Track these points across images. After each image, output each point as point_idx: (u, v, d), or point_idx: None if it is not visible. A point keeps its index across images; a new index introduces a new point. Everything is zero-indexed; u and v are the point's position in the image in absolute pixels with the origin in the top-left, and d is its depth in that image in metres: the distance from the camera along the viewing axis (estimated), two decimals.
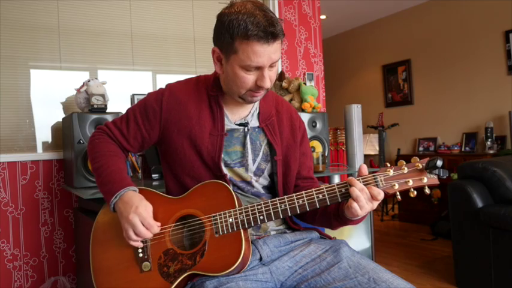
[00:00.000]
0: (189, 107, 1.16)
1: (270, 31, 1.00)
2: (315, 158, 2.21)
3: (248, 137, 1.18)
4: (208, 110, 1.16)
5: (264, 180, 1.20)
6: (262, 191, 1.20)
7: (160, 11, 2.74)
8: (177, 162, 1.16)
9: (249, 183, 1.18)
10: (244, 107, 1.20)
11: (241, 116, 1.20)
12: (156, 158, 2.24)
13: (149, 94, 1.21)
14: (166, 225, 1.08)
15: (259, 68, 1.05)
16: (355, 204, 0.97)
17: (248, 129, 1.19)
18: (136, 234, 1.02)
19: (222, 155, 1.14)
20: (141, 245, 1.05)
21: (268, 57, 1.03)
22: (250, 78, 1.06)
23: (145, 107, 1.18)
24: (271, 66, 1.06)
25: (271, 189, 1.23)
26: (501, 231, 2.25)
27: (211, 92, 1.17)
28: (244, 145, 1.18)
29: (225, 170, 1.14)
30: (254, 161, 1.18)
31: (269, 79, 1.07)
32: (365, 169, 1.03)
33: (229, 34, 1.02)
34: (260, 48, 1.01)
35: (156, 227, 1.04)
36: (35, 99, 2.37)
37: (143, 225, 1.02)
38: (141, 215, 1.02)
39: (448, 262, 3.01)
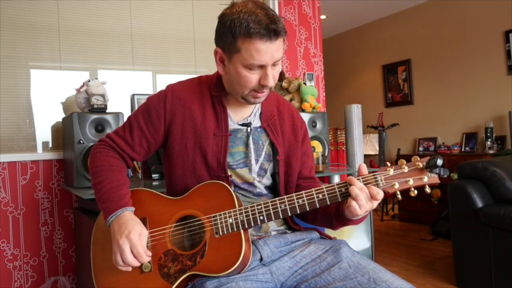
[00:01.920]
0: (193, 107, 1.15)
1: (272, 28, 0.99)
2: (315, 158, 2.21)
3: (251, 137, 1.18)
4: (212, 111, 1.16)
5: (266, 181, 1.20)
6: (265, 191, 1.20)
7: (160, 11, 2.74)
8: (179, 164, 1.15)
9: (251, 184, 1.18)
10: (247, 107, 1.20)
11: (243, 116, 1.20)
12: (157, 158, 2.24)
13: (150, 98, 1.20)
14: (166, 226, 1.08)
15: (263, 67, 1.04)
16: (354, 203, 0.97)
17: (251, 130, 1.18)
18: (123, 260, 0.99)
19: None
20: (129, 269, 1.02)
21: (271, 55, 1.02)
22: (253, 77, 1.05)
23: (148, 111, 1.16)
24: (274, 64, 1.06)
25: (273, 189, 1.23)
26: (501, 231, 2.25)
27: (214, 92, 1.17)
28: (247, 145, 1.18)
29: (228, 172, 1.14)
30: (257, 161, 1.18)
31: (272, 78, 1.06)
32: (364, 168, 1.03)
33: (232, 34, 1.02)
34: (263, 46, 1.01)
35: (145, 256, 1.00)
36: (35, 99, 2.37)
37: (132, 252, 0.99)
38: (132, 241, 0.98)
39: (448, 262, 3.01)
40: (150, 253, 1.02)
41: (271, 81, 1.06)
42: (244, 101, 1.12)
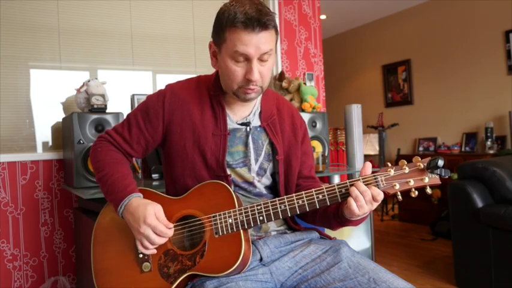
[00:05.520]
0: (191, 107, 1.15)
1: (256, 19, 1.00)
2: (315, 158, 2.21)
3: (250, 137, 1.18)
4: (210, 110, 1.16)
5: (266, 180, 1.20)
6: (264, 191, 1.20)
7: (160, 11, 2.74)
8: (179, 163, 1.15)
9: (251, 183, 1.18)
10: (246, 106, 1.20)
11: (242, 115, 1.20)
12: (156, 158, 2.24)
13: (149, 96, 1.20)
14: None
15: (248, 60, 1.04)
16: (353, 203, 0.97)
17: (250, 129, 1.18)
18: (151, 243, 1.02)
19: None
20: (155, 252, 1.05)
21: (256, 46, 1.02)
22: (239, 70, 1.06)
23: (147, 110, 1.17)
24: (262, 60, 1.05)
25: (273, 189, 1.23)
26: (501, 231, 2.25)
27: (212, 92, 1.17)
28: (246, 145, 1.17)
29: (227, 171, 1.14)
30: (256, 160, 1.18)
31: (258, 73, 1.05)
32: (369, 168, 1.02)
33: (221, 25, 1.04)
34: (246, 36, 1.01)
35: (169, 232, 1.03)
36: (35, 99, 2.37)
37: (156, 233, 1.01)
38: (151, 225, 1.00)
39: (448, 262, 3.01)
40: (171, 225, 1.04)
41: (255, 75, 1.05)
42: (236, 97, 1.12)
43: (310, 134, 2.37)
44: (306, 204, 1.01)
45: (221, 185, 1.07)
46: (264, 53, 1.04)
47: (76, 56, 2.48)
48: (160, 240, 1.02)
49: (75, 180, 1.94)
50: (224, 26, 1.03)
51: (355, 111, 2.53)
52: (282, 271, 1.08)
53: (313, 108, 2.54)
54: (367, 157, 5.11)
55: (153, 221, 1.01)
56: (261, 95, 1.23)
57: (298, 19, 3.24)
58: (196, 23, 2.86)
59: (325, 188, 1.01)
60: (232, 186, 1.14)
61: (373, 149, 5.21)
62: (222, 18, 1.04)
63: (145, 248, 1.03)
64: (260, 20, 1.00)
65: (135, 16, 2.65)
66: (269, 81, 1.13)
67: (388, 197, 1.00)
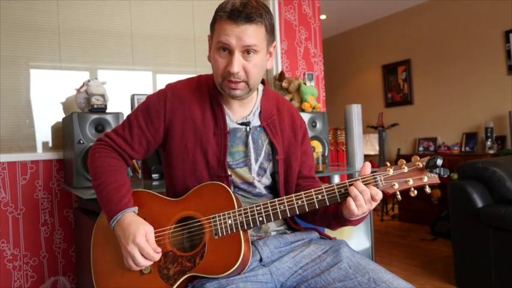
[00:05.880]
0: (192, 106, 1.15)
1: (238, 10, 1.01)
2: (315, 158, 2.21)
3: (250, 136, 1.18)
4: (211, 110, 1.16)
5: (266, 180, 1.20)
6: (264, 191, 1.20)
7: (160, 11, 2.74)
8: (180, 164, 1.15)
9: (251, 184, 1.17)
10: (245, 106, 1.20)
11: (242, 115, 1.19)
12: (156, 158, 2.24)
13: (150, 96, 1.20)
14: (166, 227, 1.07)
15: (231, 52, 1.05)
16: (352, 202, 0.97)
17: (250, 129, 1.18)
18: (135, 264, 1.02)
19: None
20: (142, 268, 1.05)
21: (237, 37, 1.02)
22: (222, 61, 1.06)
23: (148, 110, 1.16)
24: (246, 54, 1.05)
25: (273, 189, 1.23)
26: (501, 231, 2.25)
27: (212, 91, 1.17)
28: (246, 145, 1.17)
29: (228, 171, 1.14)
30: (256, 160, 1.18)
31: (239, 66, 1.05)
32: (368, 168, 1.03)
33: (214, 16, 1.08)
34: (228, 26, 1.02)
35: (156, 256, 1.02)
36: (35, 99, 2.37)
37: (142, 255, 1.01)
38: (139, 245, 1.00)
39: (448, 262, 3.01)
40: (159, 249, 1.04)
41: (235, 67, 1.04)
42: (223, 91, 1.12)
43: (310, 134, 2.37)
44: (305, 205, 1.01)
45: (220, 186, 1.06)
46: (247, 46, 1.03)
47: (76, 56, 2.48)
48: (146, 263, 1.01)
49: (75, 180, 1.94)
50: (214, 17, 1.07)
51: (355, 111, 2.53)
52: (282, 271, 1.08)
53: (313, 108, 2.54)
54: (367, 157, 5.11)
55: (142, 242, 1.00)
56: (261, 95, 1.23)
57: (298, 19, 3.24)
58: (196, 23, 2.86)
59: (324, 188, 1.01)
60: (232, 187, 1.14)
61: (373, 149, 5.21)
62: (216, 10, 1.07)
63: (130, 267, 1.03)
64: (243, 12, 1.01)
65: (135, 16, 2.65)
66: (258, 80, 1.12)
67: (388, 197, 1.00)
